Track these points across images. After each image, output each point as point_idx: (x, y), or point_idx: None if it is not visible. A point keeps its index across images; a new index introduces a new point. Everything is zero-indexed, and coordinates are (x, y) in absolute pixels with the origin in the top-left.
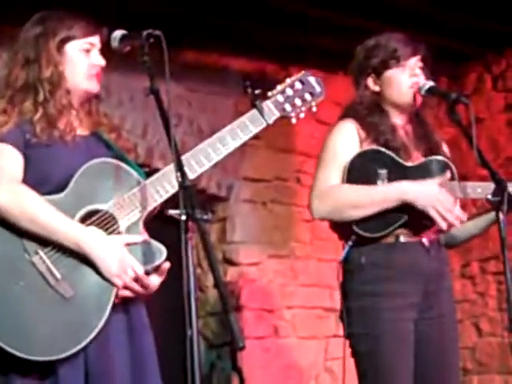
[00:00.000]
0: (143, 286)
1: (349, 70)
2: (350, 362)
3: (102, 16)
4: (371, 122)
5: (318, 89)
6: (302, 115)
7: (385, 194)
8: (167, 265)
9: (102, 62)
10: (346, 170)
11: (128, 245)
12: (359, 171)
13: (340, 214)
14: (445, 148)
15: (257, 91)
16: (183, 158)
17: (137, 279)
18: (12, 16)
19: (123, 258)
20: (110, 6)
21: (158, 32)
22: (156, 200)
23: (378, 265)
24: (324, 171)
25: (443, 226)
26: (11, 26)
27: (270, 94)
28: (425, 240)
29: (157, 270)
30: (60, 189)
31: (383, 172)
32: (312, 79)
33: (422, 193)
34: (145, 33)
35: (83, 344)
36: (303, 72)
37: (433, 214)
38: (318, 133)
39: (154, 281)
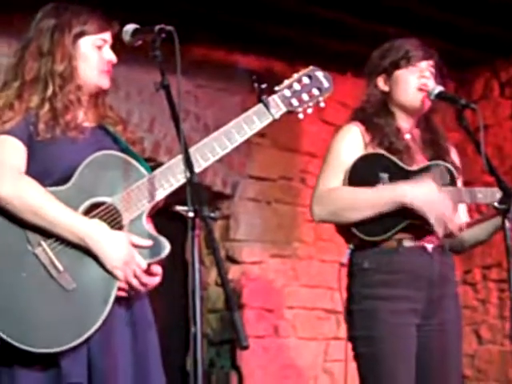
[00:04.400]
0: (142, 283)
1: (363, 73)
2: (351, 365)
3: (112, 10)
4: (377, 123)
5: (325, 84)
6: (309, 110)
7: (383, 196)
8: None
9: (114, 58)
10: (348, 173)
11: (133, 245)
12: (360, 175)
13: (338, 217)
14: (454, 154)
15: (263, 85)
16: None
17: (138, 273)
18: (20, 4)
19: (127, 251)
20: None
21: (170, 27)
22: (160, 193)
23: (381, 270)
24: (326, 174)
25: (440, 231)
26: (19, 14)
27: (276, 88)
28: (428, 245)
29: (159, 263)
30: (64, 180)
31: (384, 176)
32: (320, 74)
33: (421, 196)
34: (157, 27)
35: (85, 337)
36: (311, 67)
37: (430, 218)
38: (324, 133)
39: (154, 280)
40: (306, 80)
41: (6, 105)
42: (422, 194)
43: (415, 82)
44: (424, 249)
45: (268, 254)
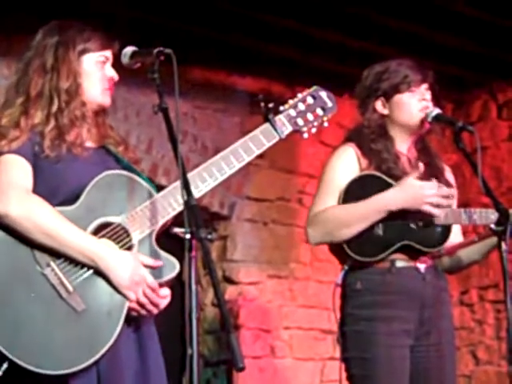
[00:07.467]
0: (153, 303)
1: (355, 94)
2: None
3: (110, 33)
4: (375, 149)
5: (329, 104)
6: (313, 130)
7: (369, 208)
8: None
9: (116, 75)
10: (343, 193)
11: (143, 265)
12: (355, 195)
13: (332, 237)
14: (449, 175)
15: (270, 105)
16: (193, 173)
17: (148, 294)
18: (19, 27)
19: (137, 272)
20: (120, 21)
21: (168, 50)
22: (169, 213)
23: (373, 290)
24: (320, 196)
25: (437, 214)
26: (19, 36)
27: (282, 108)
28: (421, 265)
29: (168, 283)
30: (71, 200)
31: None
32: (324, 94)
33: (404, 196)
34: (156, 50)
35: (96, 358)
36: (315, 87)
37: (422, 208)
38: (322, 154)
39: (163, 301)
40: (310, 100)
41: (12, 123)
42: (404, 192)
43: (417, 104)
44: (416, 269)
45: (265, 274)
